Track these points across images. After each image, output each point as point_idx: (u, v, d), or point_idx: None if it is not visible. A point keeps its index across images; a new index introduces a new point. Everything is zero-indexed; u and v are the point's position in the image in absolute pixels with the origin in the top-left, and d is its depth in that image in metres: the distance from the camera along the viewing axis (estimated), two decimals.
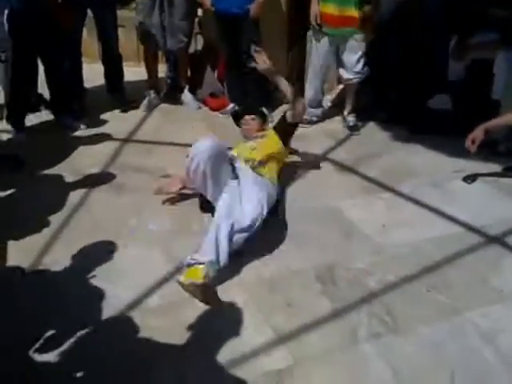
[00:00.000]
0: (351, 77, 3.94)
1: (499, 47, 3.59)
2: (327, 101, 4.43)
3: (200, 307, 2.21)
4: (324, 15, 3.74)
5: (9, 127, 3.81)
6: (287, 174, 3.28)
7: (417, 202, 3.10)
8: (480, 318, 2.21)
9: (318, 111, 4.19)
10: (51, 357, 1.97)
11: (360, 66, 3.88)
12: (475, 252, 2.66)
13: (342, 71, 3.99)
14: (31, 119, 4.05)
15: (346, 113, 4.14)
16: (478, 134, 2.84)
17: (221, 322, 2.18)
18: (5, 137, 3.79)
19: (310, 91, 4.12)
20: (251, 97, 4.18)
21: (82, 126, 3.99)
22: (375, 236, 2.77)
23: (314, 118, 4.15)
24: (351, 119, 4.11)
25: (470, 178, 3.32)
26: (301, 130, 3.46)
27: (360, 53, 3.84)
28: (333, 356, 2.03)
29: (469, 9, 3.56)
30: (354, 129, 4.06)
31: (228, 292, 2.34)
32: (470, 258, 2.61)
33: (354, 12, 3.68)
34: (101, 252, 2.58)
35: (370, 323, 2.18)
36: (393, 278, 2.45)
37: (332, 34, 3.81)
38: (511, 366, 1.99)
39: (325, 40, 3.85)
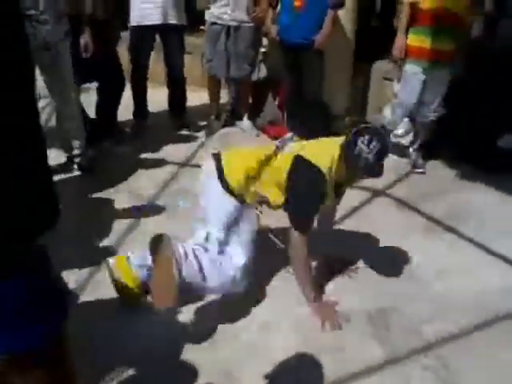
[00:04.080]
0: (429, 114, 3.75)
1: None
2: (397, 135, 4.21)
3: (240, 345, 2.14)
4: (417, 48, 3.56)
5: None
6: (342, 208, 3.18)
7: (481, 246, 2.91)
8: None
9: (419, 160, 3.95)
10: None
11: (440, 103, 3.71)
12: None
13: (421, 107, 3.76)
14: None
15: (411, 150, 3.98)
16: None
17: (264, 362, 2.08)
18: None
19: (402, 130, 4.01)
20: (310, 125, 4.11)
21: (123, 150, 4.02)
22: (434, 281, 2.61)
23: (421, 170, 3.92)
24: (417, 157, 3.93)
25: None
26: None
27: (444, 90, 3.66)
28: None
29: None
30: (419, 166, 3.89)
31: (277, 330, 2.25)
32: None
33: (451, 45, 3.51)
34: None
35: (423, 377, 2.02)
36: (451, 328, 2.27)
37: (424, 68, 3.58)
38: None
39: (417, 74, 3.61)
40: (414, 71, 3.62)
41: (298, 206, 2.25)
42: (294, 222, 2.26)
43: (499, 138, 3.87)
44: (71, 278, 2.49)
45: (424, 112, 3.77)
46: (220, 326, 2.26)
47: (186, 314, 2.32)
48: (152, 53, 4.24)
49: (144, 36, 4.05)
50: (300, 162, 2.21)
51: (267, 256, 2.62)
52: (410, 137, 4.08)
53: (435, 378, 2.02)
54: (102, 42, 3.58)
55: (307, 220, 2.27)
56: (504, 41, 3.81)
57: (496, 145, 3.86)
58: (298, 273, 2.34)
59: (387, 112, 4.02)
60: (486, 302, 2.45)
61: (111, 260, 2.33)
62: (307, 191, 2.21)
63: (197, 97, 4.76)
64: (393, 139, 4.04)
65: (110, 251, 2.69)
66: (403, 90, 3.75)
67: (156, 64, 4.66)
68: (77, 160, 3.60)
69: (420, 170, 3.87)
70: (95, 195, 3.37)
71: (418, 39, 3.56)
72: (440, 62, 3.55)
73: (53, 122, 3.52)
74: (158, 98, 4.53)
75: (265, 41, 4.49)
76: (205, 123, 4.52)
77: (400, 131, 4.12)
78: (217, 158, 2.36)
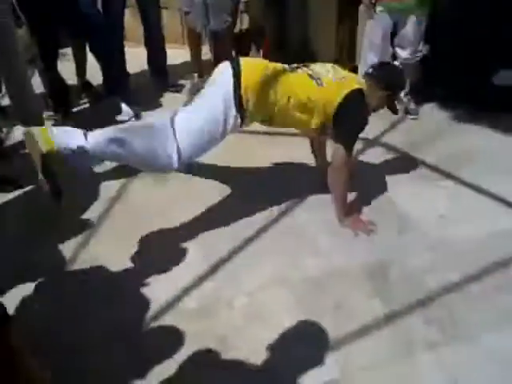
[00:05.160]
0: (410, 56, 3.61)
1: None
2: None
3: (237, 310, 2.07)
4: None
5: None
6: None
7: (480, 190, 2.81)
8: None
9: (411, 105, 3.83)
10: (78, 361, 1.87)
11: (420, 43, 3.56)
12: None
13: (399, 50, 3.65)
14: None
15: (402, 95, 3.82)
16: None
17: (260, 321, 2.02)
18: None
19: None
20: None
21: (135, 109, 3.81)
22: (434, 229, 2.51)
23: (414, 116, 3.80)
24: (408, 101, 3.80)
25: None
26: None
27: (421, 30, 3.51)
28: (385, 368, 1.82)
29: None
30: (412, 112, 3.76)
31: (270, 291, 2.17)
32: None
33: None
34: (138, 248, 2.45)
35: (427, 330, 1.95)
36: (454, 277, 2.20)
37: (389, 9, 3.48)
38: None
39: (383, 16, 3.53)
40: (380, 13, 3.52)
41: (352, 129, 2.46)
42: (347, 142, 2.43)
43: (493, 75, 3.70)
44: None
45: (405, 54, 3.62)
46: (212, 291, 2.18)
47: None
48: (126, 10, 4.03)
49: None
50: (356, 95, 2.43)
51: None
52: None
53: (439, 329, 1.95)
54: None
55: (355, 141, 2.48)
56: None
57: (491, 82, 3.70)
58: (338, 189, 2.51)
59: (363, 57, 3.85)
60: (490, 246, 2.37)
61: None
62: (360, 117, 2.47)
63: (178, 54, 4.55)
64: None
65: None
66: (372, 32, 3.65)
67: (132, 22, 4.45)
68: None
69: (412, 117, 3.74)
70: None
71: None
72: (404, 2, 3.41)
73: None
74: (136, 58, 4.33)
75: None
76: (188, 82, 4.33)
77: None
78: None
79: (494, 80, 3.70)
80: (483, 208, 2.68)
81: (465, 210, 2.66)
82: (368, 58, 3.74)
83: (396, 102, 2.73)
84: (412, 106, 3.79)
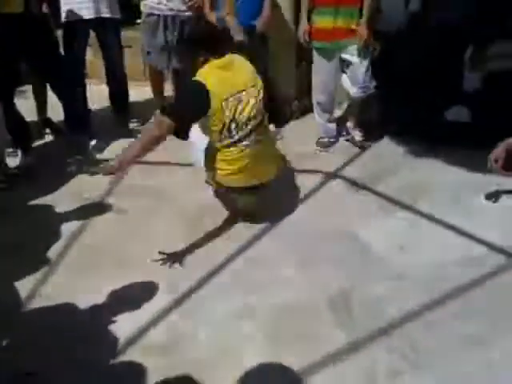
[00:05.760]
0: (359, 92, 3.69)
1: None
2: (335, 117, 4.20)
3: (202, 342, 2.05)
4: (318, 30, 3.59)
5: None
6: (295, 194, 3.13)
7: (437, 220, 2.90)
8: None
9: (332, 128, 3.97)
10: None
11: (367, 79, 3.65)
12: (502, 274, 2.44)
13: (347, 86, 3.74)
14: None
15: (351, 127, 3.95)
16: (499, 152, 2.64)
17: (225, 354, 2.00)
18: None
19: (318, 109, 3.93)
20: None
21: (93, 143, 3.89)
22: (393, 258, 2.57)
23: (332, 139, 3.93)
24: (357, 133, 3.91)
25: (493, 196, 3.10)
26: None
27: (365, 65, 3.61)
28: None
29: (486, 15, 3.38)
30: (362, 144, 3.87)
31: (234, 321, 2.17)
32: (497, 281, 2.39)
33: (349, 23, 3.49)
34: (102, 282, 2.42)
35: (389, 358, 1.98)
36: (414, 305, 2.24)
37: (329, 49, 3.62)
38: None
39: (326, 56, 3.66)
40: (320, 52, 3.68)
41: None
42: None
43: (445, 111, 3.86)
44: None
45: (353, 90, 3.69)
46: (177, 323, 2.16)
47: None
48: (89, 48, 4.06)
49: (77, 32, 3.85)
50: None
51: None
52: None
53: (401, 357, 1.98)
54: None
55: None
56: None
57: (442, 118, 3.86)
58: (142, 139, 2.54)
59: (318, 111, 3.97)
60: (445, 275, 2.43)
61: None
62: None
63: (139, 92, 4.59)
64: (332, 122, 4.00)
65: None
66: (315, 73, 3.80)
67: (95, 60, 4.49)
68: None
69: (366, 147, 3.84)
70: (35, 202, 3.19)
71: (316, 20, 3.60)
72: (343, 40, 3.54)
73: None
74: (99, 95, 4.34)
75: None
76: (150, 119, 4.35)
77: (337, 113, 4.15)
78: None
79: (446, 115, 3.87)
80: (440, 237, 2.76)
81: (423, 240, 2.73)
82: (315, 96, 3.88)
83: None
84: (358, 137, 3.88)
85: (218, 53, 2.63)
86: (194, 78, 2.57)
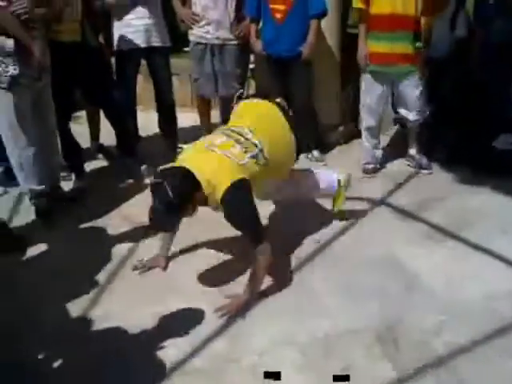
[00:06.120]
0: (417, 117, 3.73)
1: None
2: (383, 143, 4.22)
3: (246, 370, 2.06)
4: (375, 54, 3.61)
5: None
6: (339, 221, 3.15)
7: (485, 250, 2.84)
8: None
9: (379, 153, 3.99)
10: None
11: (422, 104, 3.69)
12: None
13: (404, 112, 3.77)
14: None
15: (413, 152, 3.93)
16: None
17: (268, 382, 2.01)
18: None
19: (367, 134, 3.94)
20: (300, 137, 4.06)
21: (144, 170, 3.99)
22: (441, 290, 2.53)
23: (377, 166, 3.94)
24: (421, 157, 3.90)
25: None
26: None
27: (421, 90, 3.65)
28: None
29: None
30: (427, 167, 3.87)
31: (278, 349, 2.17)
32: None
33: (408, 48, 3.52)
34: (150, 305, 2.49)
35: None
36: (463, 340, 2.19)
37: (384, 72, 3.65)
38: None
39: (379, 79, 3.69)
40: (372, 76, 3.69)
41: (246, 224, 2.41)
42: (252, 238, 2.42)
43: (493, 139, 3.81)
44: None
45: (412, 116, 3.73)
46: (221, 350, 2.18)
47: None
48: (139, 76, 4.22)
49: (129, 60, 4.01)
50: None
51: None
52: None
53: None
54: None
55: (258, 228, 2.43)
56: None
57: (491, 145, 3.81)
58: (260, 275, 2.46)
59: (365, 135, 3.98)
60: (495, 308, 2.38)
61: None
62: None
63: (187, 118, 4.71)
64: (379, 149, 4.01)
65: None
66: (366, 96, 3.81)
67: (145, 88, 4.64)
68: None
69: (427, 171, 3.84)
70: (87, 225, 3.31)
71: (372, 45, 3.61)
72: (399, 65, 3.56)
73: None
74: (148, 121, 4.48)
75: (252, 57, 4.46)
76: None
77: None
78: None
79: (495, 144, 3.81)
80: (489, 269, 2.70)
81: (471, 271, 2.68)
82: (364, 120, 3.89)
83: None
84: (425, 161, 3.88)
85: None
86: (237, 192, 2.35)
